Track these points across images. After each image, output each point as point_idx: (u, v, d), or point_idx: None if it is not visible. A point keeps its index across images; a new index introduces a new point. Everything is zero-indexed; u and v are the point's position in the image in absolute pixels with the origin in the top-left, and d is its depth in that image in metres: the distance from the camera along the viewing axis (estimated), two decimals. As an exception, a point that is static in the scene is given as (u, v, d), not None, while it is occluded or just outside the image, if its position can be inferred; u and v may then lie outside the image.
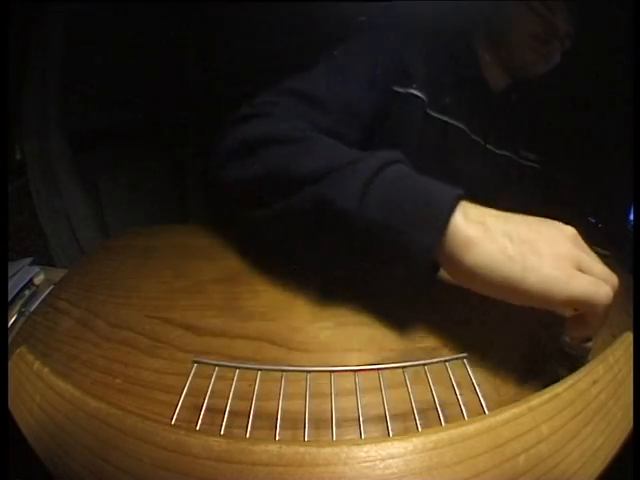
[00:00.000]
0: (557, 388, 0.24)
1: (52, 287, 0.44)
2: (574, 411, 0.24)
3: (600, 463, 0.22)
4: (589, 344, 0.30)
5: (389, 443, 0.22)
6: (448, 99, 0.57)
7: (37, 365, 0.27)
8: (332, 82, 0.51)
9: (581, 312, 0.29)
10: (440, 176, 0.42)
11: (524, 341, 0.35)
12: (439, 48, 0.57)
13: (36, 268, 0.49)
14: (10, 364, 0.27)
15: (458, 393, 0.26)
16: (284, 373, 0.28)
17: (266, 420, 0.27)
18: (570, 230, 0.31)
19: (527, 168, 0.63)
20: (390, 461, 0.21)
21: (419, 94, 0.56)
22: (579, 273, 0.29)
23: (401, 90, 0.55)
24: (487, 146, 0.60)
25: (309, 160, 0.37)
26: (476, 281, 0.30)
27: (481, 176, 0.60)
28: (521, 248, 0.29)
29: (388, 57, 0.54)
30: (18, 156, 0.78)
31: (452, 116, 0.58)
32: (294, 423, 0.27)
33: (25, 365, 0.27)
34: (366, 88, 0.53)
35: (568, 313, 0.31)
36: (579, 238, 0.31)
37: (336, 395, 0.27)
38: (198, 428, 0.25)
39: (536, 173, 0.63)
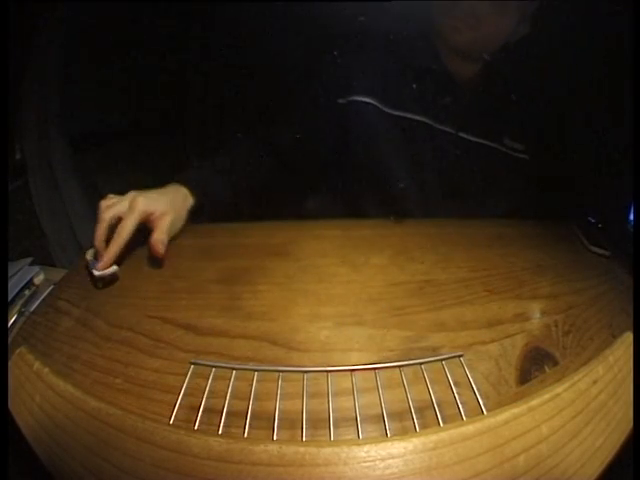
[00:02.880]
0: (557, 388, 0.24)
1: (52, 287, 0.44)
2: (574, 411, 0.24)
3: (600, 463, 0.22)
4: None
5: (389, 443, 0.22)
6: (406, 95, 0.59)
7: (37, 365, 0.27)
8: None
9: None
10: (405, 170, 0.60)
11: (523, 340, 0.35)
12: (395, 46, 0.58)
13: (36, 268, 0.49)
14: (10, 364, 0.27)
15: (456, 392, 0.26)
16: (281, 373, 0.28)
17: (264, 420, 0.27)
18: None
19: (515, 159, 0.62)
20: (390, 461, 0.21)
21: (365, 99, 0.59)
22: None
23: (343, 101, 0.60)
24: (459, 135, 0.60)
25: None
26: None
27: (455, 166, 0.61)
28: None
29: (329, 75, 0.61)
30: (18, 156, 0.78)
31: (413, 111, 0.59)
32: (292, 423, 0.27)
33: (25, 365, 0.27)
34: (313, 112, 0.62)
35: None
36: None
37: (333, 395, 0.27)
38: (196, 428, 0.25)
39: (526, 165, 0.62)
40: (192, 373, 0.28)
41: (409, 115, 0.60)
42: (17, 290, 0.45)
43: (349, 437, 0.26)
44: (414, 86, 0.59)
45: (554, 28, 0.53)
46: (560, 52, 0.54)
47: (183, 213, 0.52)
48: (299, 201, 0.69)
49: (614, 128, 0.57)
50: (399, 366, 0.28)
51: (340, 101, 0.60)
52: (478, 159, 0.62)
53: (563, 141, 0.61)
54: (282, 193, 0.67)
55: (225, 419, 0.25)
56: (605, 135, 0.59)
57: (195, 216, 0.53)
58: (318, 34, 0.64)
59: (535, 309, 0.39)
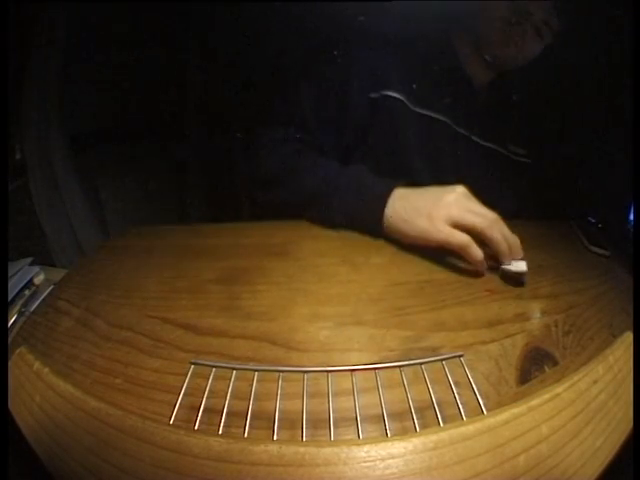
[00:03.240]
0: (557, 388, 0.24)
1: (52, 287, 0.44)
2: (574, 411, 0.24)
3: (600, 463, 0.22)
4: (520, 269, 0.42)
5: (389, 443, 0.22)
6: (431, 94, 0.59)
7: (37, 365, 0.27)
8: (311, 103, 0.61)
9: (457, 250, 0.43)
10: (426, 168, 0.61)
11: (524, 340, 0.35)
12: (418, 46, 0.59)
13: (36, 268, 0.49)
14: (10, 364, 0.27)
15: (456, 392, 0.26)
16: (281, 373, 0.28)
17: (264, 420, 0.27)
18: (451, 195, 0.45)
19: (518, 163, 0.63)
20: (390, 461, 0.21)
21: (395, 95, 0.58)
22: (443, 225, 0.44)
23: (375, 95, 0.59)
24: (472, 138, 0.61)
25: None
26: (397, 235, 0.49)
27: (467, 167, 0.62)
28: (411, 213, 0.46)
29: (360, 69, 0.59)
30: (18, 156, 0.78)
31: (436, 111, 0.59)
32: (292, 423, 0.27)
33: (25, 365, 0.27)
34: (343, 103, 0.60)
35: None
36: (461, 197, 0.45)
37: (334, 395, 0.27)
38: (196, 428, 0.25)
39: (528, 168, 0.63)
40: (192, 373, 0.28)
41: (432, 114, 0.60)
42: (17, 290, 0.45)
43: (349, 437, 0.26)
44: (438, 87, 0.59)
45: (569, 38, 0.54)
46: (560, 52, 0.54)
47: None
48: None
49: (614, 128, 0.57)
50: (399, 366, 0.28)
51: (372, 95, 0.60)
52: (480, 162, 0.62)
53: (563, 141, 0.61)
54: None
55: (225, 419, 0.25)
56: (605, 135, 0.59)
57: None
58: (318, 34, 0.64)
59: (535, 309, 0.39)
